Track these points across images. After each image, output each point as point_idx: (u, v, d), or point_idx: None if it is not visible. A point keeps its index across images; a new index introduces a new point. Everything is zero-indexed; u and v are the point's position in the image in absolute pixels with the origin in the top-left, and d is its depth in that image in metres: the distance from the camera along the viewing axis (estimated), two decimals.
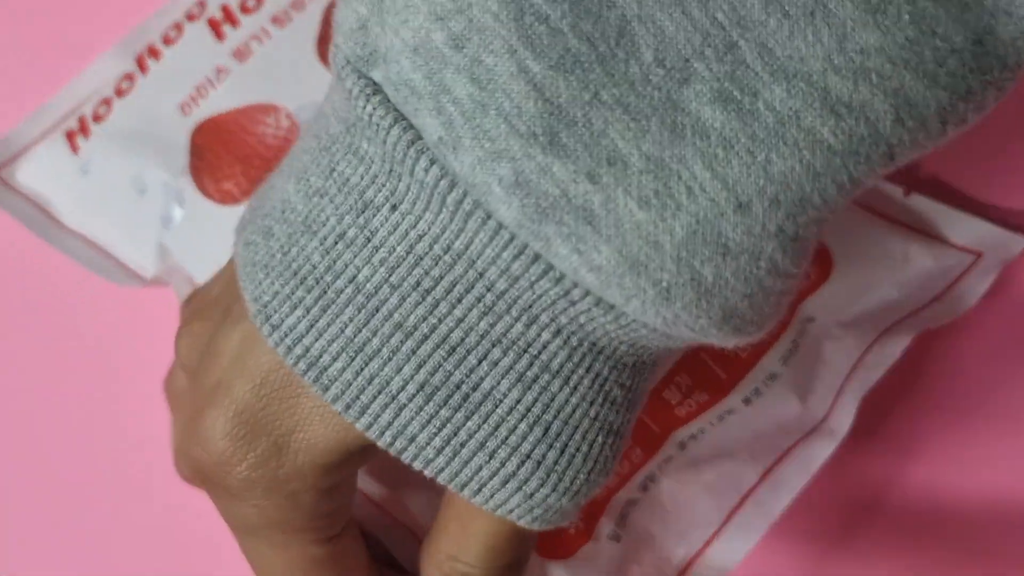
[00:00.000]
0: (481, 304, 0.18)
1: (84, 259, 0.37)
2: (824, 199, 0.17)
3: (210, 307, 0.22)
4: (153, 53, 0.36)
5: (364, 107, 0.18)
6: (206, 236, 0.34)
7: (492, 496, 0.19)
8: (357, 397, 0.18)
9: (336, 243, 0.18)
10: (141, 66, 0.36)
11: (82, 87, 0.37)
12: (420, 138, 0.17)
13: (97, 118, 0.36)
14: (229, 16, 0.36)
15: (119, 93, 0.36)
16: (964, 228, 0.31)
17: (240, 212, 0.33)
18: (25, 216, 0.38)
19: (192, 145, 0.35)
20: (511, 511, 0.19)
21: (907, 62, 0.16)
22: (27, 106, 0.37)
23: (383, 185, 0.18)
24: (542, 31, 0.16)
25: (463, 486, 0.19)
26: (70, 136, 0.37)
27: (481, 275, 0.18)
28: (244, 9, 0.36)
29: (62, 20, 0.40)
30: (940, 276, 0.30)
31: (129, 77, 0.36)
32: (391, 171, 0.18)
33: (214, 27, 0.36)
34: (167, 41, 0.36)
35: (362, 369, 0.18)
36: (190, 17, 0.36)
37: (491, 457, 0.18)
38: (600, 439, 0.19)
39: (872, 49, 0.16)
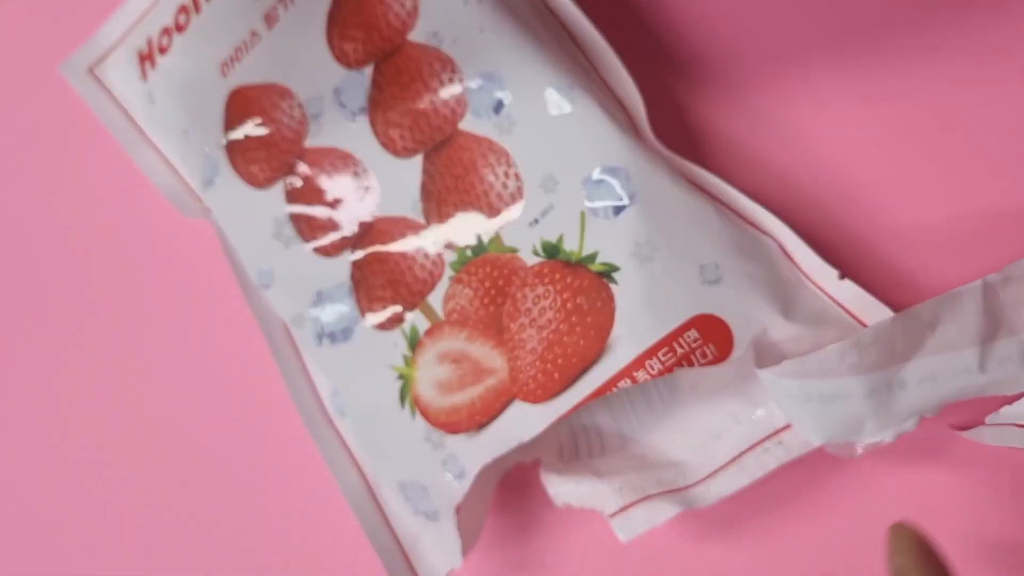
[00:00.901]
0: None
1: (157, 175, 0.40)
2: None
3: None
4: None
5: None
6: (238, 209, 0.38)
7: None
8: None
9: None
10: (195, 2, 0.38)
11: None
12: None
13: (162, 49, 0.39)
14: None
15: (179, 28, 0.39)
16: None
17: (265, 196, 0.37)
18: (111, 119, 0.41)
19: (226, 117, 0.38)
20: None
21: None
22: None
23: None
24: None
25: None
26: (142, 59, 0.40)
27: None
28: None
29: None
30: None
31: (184, 11, 0.39)
32: None
33: None
34: None
35: None
36: None
37: None
38: None
39: None
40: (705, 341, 0.31)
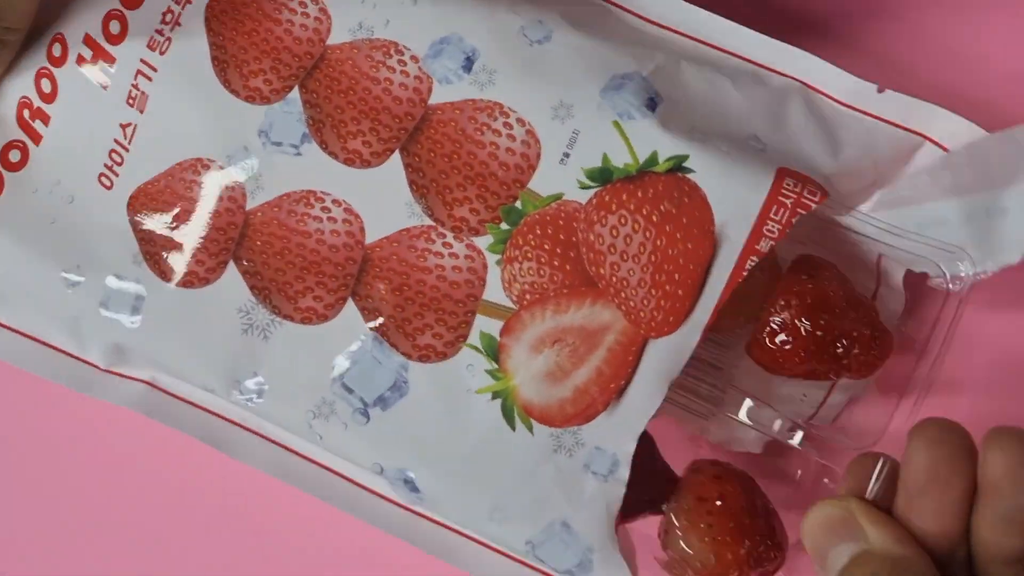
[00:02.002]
0: None
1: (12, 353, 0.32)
2: None
3: None
4: (39, 115, 0.31)
5: None
6: (180, 323, 0.31)
7: None
8: None
9: None
10: (31, 134, 0.31)
11: None
12: None
13: None
14: (98, 51, 0.31)
15: (10, 167, 0.31)
16: (936, 121, 0.31)
17: (215, 292, 0.30)
18: None
19: (134, 225, 0.31)
20: None
21: None
22: None
23: None
24: None
25: None
26: None
27: None
28: (109, 38, 0.31)
29: None
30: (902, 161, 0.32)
31: (19, 147, 0.31)
32: None
33: (90, 70, 0.31)
34: (47, 98, 0.31)
35: None
36: (55, 62, 0.31)
37: None
38: None
39: None
40: (803, 184, 0.29)
